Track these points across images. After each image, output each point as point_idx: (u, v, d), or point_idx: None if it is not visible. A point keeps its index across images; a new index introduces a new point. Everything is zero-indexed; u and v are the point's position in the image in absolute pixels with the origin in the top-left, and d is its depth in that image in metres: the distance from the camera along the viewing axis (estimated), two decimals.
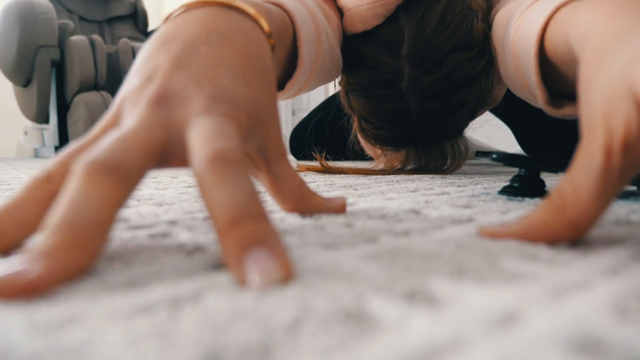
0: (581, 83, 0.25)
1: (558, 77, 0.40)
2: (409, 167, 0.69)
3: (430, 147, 0.65)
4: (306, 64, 0.48)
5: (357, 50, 0.62)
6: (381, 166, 0.74)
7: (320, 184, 0.54)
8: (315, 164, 0.77)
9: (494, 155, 0.40)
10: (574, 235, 0.21)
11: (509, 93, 1.04)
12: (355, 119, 0.65)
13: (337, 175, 0.67)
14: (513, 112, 1.07)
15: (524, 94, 0.47)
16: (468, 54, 0.58)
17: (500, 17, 0.54)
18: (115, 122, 0.24)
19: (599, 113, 0.21)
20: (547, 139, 1.01)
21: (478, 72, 0.59)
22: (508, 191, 0.42)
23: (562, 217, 0.21)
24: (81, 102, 1.90)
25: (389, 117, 0.61)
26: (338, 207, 0.32)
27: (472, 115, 0.63)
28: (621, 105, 0.20)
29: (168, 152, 0.22)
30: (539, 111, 1.07)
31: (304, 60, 0.48)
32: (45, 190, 0.21)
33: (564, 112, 0.42)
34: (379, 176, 0.66)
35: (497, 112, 1.12)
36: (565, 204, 0.21)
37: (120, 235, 0.25)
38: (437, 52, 0.58)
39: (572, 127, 1.09)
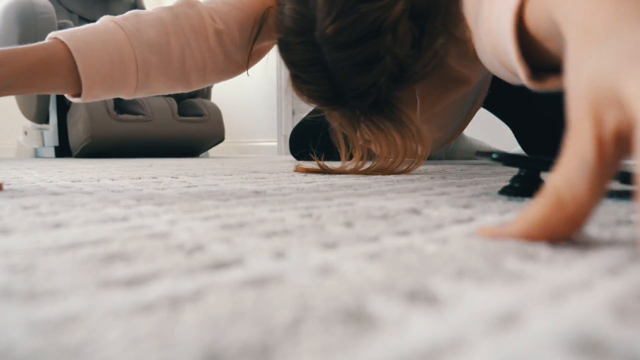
0: (569, 69, 0.25)
1: (539, 52, 0.39)
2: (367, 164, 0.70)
3: (373, 123, 0.66)
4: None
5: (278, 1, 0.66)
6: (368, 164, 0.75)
7: (320, 184, 0.54)
8: (313, 164, 0.77)
9: (494, 155, 0.40)
10: (573, 230, 0.21)
11: (508, 94, 1.05)
12: (290, 76, 0.68)
13: (337, 175, 0.67)
14: (513, 111, 1.07)
15: (503, 73, 0.47)
16: (379, 2, 0.58)
17: None
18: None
19: (587, 104, 0.21)
20: (547, 139, 1.01)
21: (392, 23, 0.59)
22: (508, 191, 0.42)
23: (561, 213, 0.21)
24: (81, 102, 1.90)
25: (306, 67, 0.63)
26: None
27: (396, 79, 0.62)
28: (609, 97, 0.20)
29: None
30: (539, 110, 1.08)
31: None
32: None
33: (548, 85, 0.42)
34: (379, 176, 0.66)
35: (496, 112, 1.12)
36: (562, 200, 0.21)
37: (120, 235, 0.25)
38: None
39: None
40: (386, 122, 0.66)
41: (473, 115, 1.06)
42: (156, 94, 0.72)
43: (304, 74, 0.64)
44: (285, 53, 0.66)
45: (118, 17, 0.64)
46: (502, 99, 1.06)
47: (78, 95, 0.60)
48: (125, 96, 0.67)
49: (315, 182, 0.57)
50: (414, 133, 0.66)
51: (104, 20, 0.63)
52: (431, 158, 1.42)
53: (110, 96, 0.64)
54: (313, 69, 0.63)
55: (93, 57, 0.58)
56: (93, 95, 0.63)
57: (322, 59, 0.61)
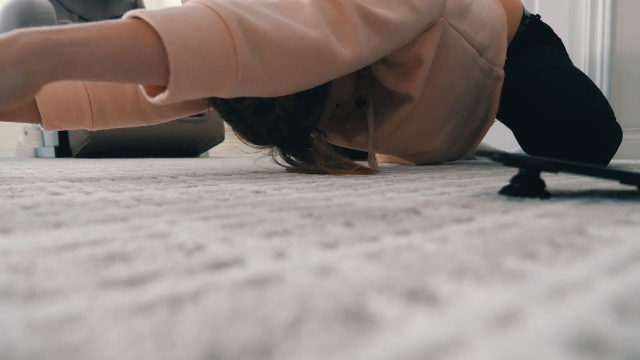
0: None
1: None
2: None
3: (299, 154, 0.78)
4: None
5: None
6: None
7: (320, 184, 0.54)
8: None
9: (495, 155, 0.40)
10: None
11: (507, 94, 1.05)
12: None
13: (337, 175, 0.67)
14: (513, 112, 1.07)
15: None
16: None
17: None
18: None
19: None
20: (547, 139, 1.01)
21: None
22: (508, 191, 0.42)
23: None
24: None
25: (227, 117, 0.75)
26: None
27: (291, 124, 0.72)
28: None
29: None
30: (539, 110, 1.08)
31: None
32: None
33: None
34: (379, 176, 0.66)
35: (497, 113, 1.12)
36: None
37: (120, 235, 0.25)
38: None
39: (572, 127, 1.10)
40: (306, 152, 0.76)
41: (484, 134, 1.07)
42: (121, 127, 0.77)
43: (229, 122, 0.75)
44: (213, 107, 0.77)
45: None
46: (503, 99, 1.07)
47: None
48: (88, 128, 0.73)
49: (315, 182, 0.57)
50: (331, 156, 0.74)
51: None
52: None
53: (71, 126, 0.70)
54: (232, 118, 0.73)
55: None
56: (55, 126, 0.68)
57: (234, 109, 0.72)
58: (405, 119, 0.91)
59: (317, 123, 0.78)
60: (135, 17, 0.48)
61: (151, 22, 0.46)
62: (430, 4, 0.78)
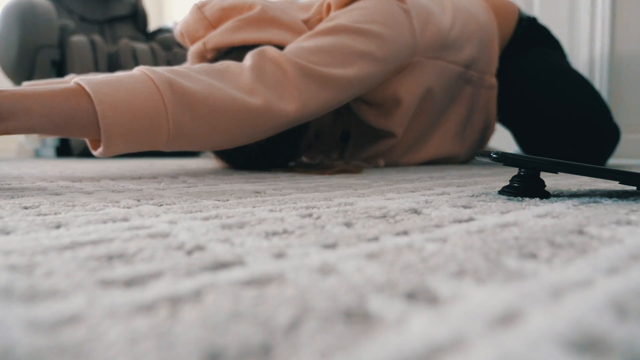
0: None
1: None
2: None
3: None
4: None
5: None
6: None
7: (320, 184, 0.54)
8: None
9: (494, 155, 0.40)
10: None
11: (505, 96, 1.05)
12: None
13: (337, 175, 0.67)
14: (512, 112, 1.07)
15: None
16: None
17: None
18: None
19: None
20: (545, 138, 1.01)
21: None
22: (508, 191, 0.42)
23: None
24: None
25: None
26: None
27: (265, 155, 0.79)
28: None
29: None
30: (538, 111, 1.09)
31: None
32: None
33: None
34: (379, 175, 0.66)
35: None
36: None
37: (120, 235, 0.25)
38: None
39: (569, 127, 1.10)
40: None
41: (489, 140, 1.08)
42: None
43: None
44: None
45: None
46: (502, 100, 1.07)
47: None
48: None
49: (315, 182, 0.57)
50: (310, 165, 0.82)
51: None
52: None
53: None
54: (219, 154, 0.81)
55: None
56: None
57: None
58: (390, 148, 0.94)
59: (294, 155, 0.83)
60: (77, 83, 0.55)
61: (85, 86, 0.53)
62: (395, 51, 0.79)
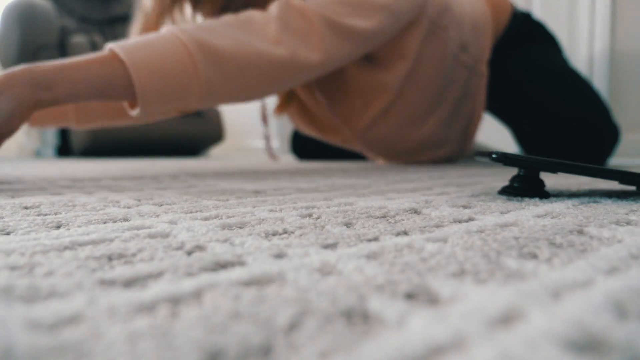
0: None
1: None
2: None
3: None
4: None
5: None
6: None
7: (320, 184, 0.54)
8: (319, 163, 0.82)
9: (494, 155, 0.40)
10: None
11: (504, 94, 1.05)
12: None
13: (337, 176, 0.67)
14: (512, 112, 1.07)
15: None
16: None
17: None
18: None
19: None
20: (544, 138, 1.01)
21: None
22: (508, 191, 0.42)
23: None
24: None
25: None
26: None
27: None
28: None
29: None
30: (538, 110, 1.09)
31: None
32: None
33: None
34: (378, 175, 0.66)
35: (495, 113, 1.12)
36: None
37: (120, 235, 0.25)
38: None
39: (569, 126, 1.10)
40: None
41: (475, 128, 1.08)
42: (110, 125, 0.77)
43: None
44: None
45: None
46: (501, 99, 1.07)
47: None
48: (73, 126, 0.73)
49: (315, 182, 0.57)
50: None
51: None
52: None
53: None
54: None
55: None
56: (40, 123, 0.68)
57: None
58: (384, 111, 0.93)
59: None
60: (111, 49, 0.58)
61: (119, 52, 0.56)
62: (409, 6, 0.81)
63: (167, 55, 0.57)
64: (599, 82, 1.48)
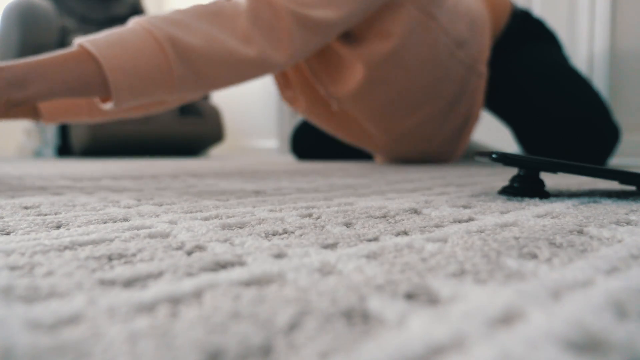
0: None
1: None
2: None
3: None
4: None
5: None
6: None
7: (320, 184, 0.54)
8: (319, 164, 0.82)
9: (494, 155, 0.40)
10: None
11: (505, 93, 1.05)
12: None
13: (337, 176, 0.67)
14: (513, 112, 1.07)
15: None
16: None
17: None
18: None
19: None
20: (545, 138, 1.01)
21: None
22: (508, 191, 0.42)
23: None
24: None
25: None
26: None
27: None
28: None
29: None
30: (539, 110, 1.09)
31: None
32: None
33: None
34: (378, 175, 0.66)
35: (496, 112, 1.12)
36: None
37: (120, 235, 0.25)
38: None
39: (570, 127, 1.10)
40: None
41: (470, 130, 1.08)
42: (123, 117, 0.77)
43: None
44: None
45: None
46: (501, 98, 1.06)
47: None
48: (89, 119, 0.73)
49: (315, 182, 0.57)
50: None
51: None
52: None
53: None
54: None
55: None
56: (55, 119, 0.68)
57: None
58: (367, 84, 0.94)
59: None
60: (82, 45, 0.57)
61: (93, 50, 0.56)
62: None
63: (142, 54, 0.58)
64: (599, 81, 1.47)
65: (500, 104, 1.08)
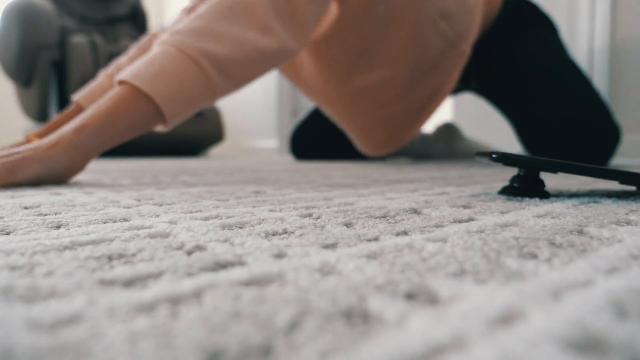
0: None
1: None
2: None
3: None
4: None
5: None
6: None
7: (320, 184, 0.54)
8: (319, 164, 0.82)
9: (494, 155, 0.40)
10: None
11: (506, 81, 1.05)
12: None
13: (337, 175, 0.67)
14: (515, 110, 1.07)
15: None
16: None
17: None
18: None
19: None
20: (546, 138, 1.01)
21: None
22: (508, 191, 0.42)
23: None
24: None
25: None
26: None
27: None
28: None
29: None
30: (540, 110, 1.08)
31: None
32: None
33: None
34: (378, 175, 0.66)
35: (500, 107, 1.12)
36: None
37: (120, 235, 0.25)
38: None
39: (571, 127, 1.10)
40: None
41: (432, 110, 1.08)
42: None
43: None
44: None
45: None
46: (499, 86, 1.07)
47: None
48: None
49: (315, 182, 0.57)
50: None
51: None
52: (429, 156, 1.42)
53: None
54: None
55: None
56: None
57: None
58: (337, 29, 0.95)
59: None
60: (129, 83, 0.60)
61: (144, 88, 0.59)
62: None
63: (186, 78, 0.61)
64: (600, 77, 1.46)
65: (496, 92, 1.08)
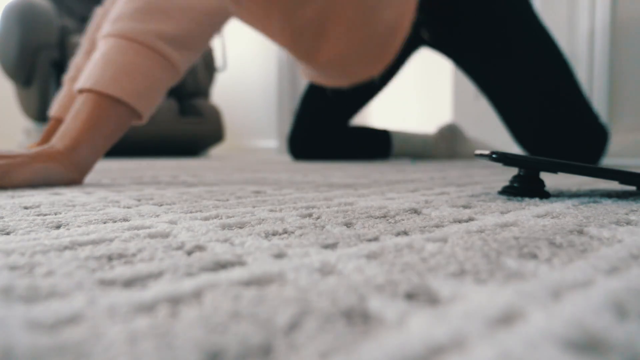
0: None
1: None
2: None
3: None
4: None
5: None
6: None
7: (320, 184, 0.54)
8: (318, 165, 0.82)
9: (494, 155, 0.40)
10: None
11: (511, 90, 1.05)
12: None
13: (337, 176, 0.67)
14: (513, 109, 1.07)
15: None
16: None
17: None
18: None
19: None
20: (547, 138, 1.01)
21: None
22: (508, 191, 0.42)
23: None
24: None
25: None
26: None
27: None
28: None
29: None
30: (539, 110, 1.08)
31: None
32: None
33: None
34: (379, 174, 0.66)
35: (496, 105, 1.12)
36: None
37: (120, 235, 0.25)
38: None
39: (571, 127, 1.10)
40: None
41: (393, 49, 1.09)
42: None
43: None
44: None
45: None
46: (505, 95, 1.07)
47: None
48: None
49: (315, 182, 0.57)
50: None
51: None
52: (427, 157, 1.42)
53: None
54: None
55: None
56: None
57: None
58: None
59: None
60: (96, 91, 0.59)
61: (113, 93, 0.58)
62: None
63: (149, 70, 0.61)
64: (600, 56, 1.44)
65: (452, 45, 1.09)
